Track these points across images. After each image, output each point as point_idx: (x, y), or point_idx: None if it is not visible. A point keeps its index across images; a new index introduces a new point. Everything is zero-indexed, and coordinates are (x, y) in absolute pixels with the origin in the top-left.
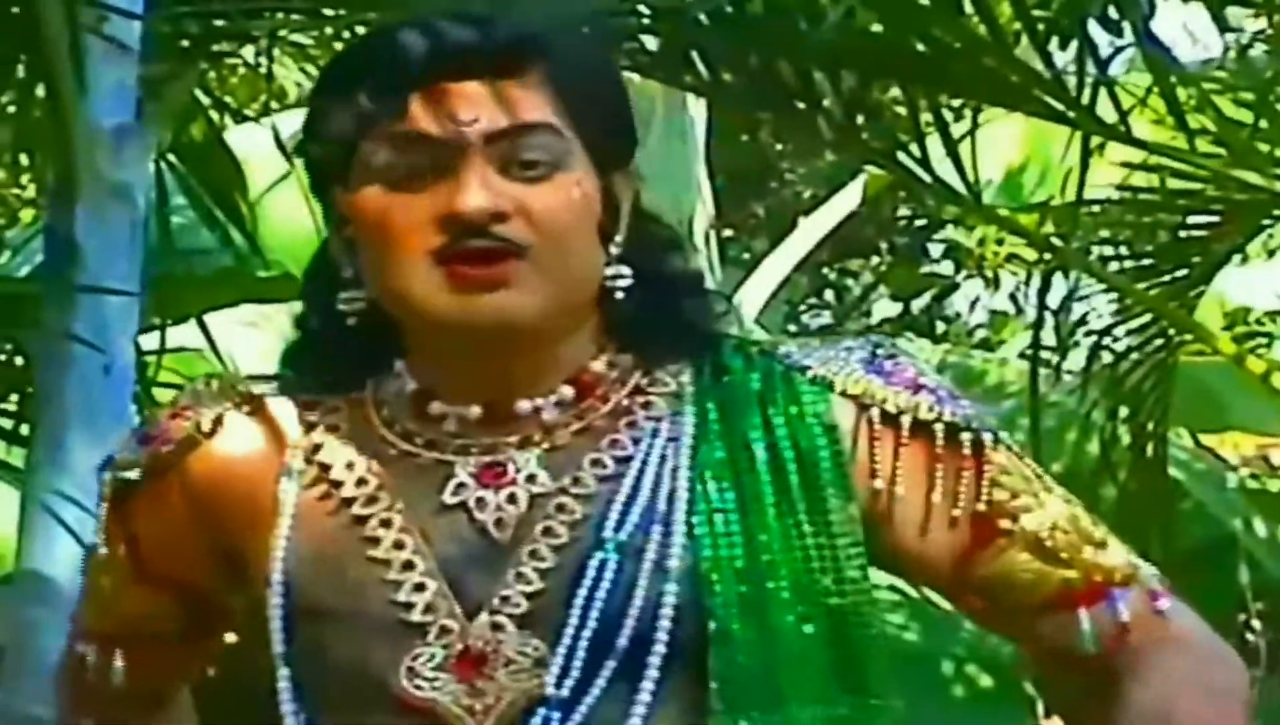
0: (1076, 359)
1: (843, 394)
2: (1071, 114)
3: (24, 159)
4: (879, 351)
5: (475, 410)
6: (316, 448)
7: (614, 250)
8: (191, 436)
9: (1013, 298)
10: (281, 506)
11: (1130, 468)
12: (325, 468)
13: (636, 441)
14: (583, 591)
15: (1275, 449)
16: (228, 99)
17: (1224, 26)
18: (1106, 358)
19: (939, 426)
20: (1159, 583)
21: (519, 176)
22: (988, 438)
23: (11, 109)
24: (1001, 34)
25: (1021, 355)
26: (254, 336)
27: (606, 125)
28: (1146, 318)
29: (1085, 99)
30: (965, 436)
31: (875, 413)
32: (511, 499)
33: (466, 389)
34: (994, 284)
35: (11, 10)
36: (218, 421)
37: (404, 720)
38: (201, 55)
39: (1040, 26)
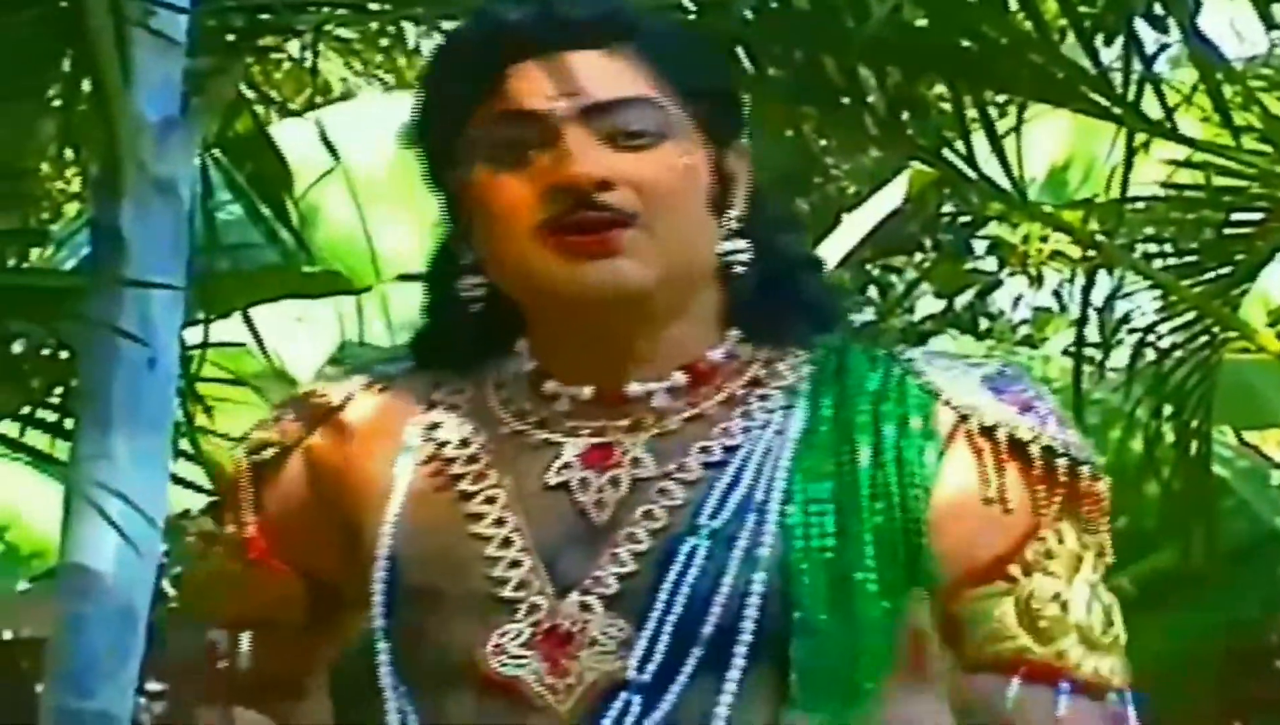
0: (1120, 356)
1: (947, 403)
2: (1117, 110)
3: (69, 153)
4: (1005, 371)
5: (587, 391)
6: (434, 425)
7: (730, 224)
8: (318, 416)
9: (1056, 295)
10: (395, 482)
11: (1173, 465)
12: (440, 444)
13: (747, 431)
14: (671, 575)
15: None
16: (273, 93)
17: (1270, 23)
18: (1150, 355)
19: (1035, 447)
20: (1126, 714)
21: (624, 146)
22: (1085, 470)
23: (57, 102)
24: (1047, 30)
25: (1065, 352)
26: (300, 331)
27: (709, 98)
28: (1191, 315)
29: (1131, 96)
30: (1061, 462)
31: (975, 424)
32: (614, 482)
33: (580, 369)
34: (1038, 281)
35: (58, 3)
36: (346, 401)
37: (488, 698)
38: (247, 49)
39: (1086, 23)
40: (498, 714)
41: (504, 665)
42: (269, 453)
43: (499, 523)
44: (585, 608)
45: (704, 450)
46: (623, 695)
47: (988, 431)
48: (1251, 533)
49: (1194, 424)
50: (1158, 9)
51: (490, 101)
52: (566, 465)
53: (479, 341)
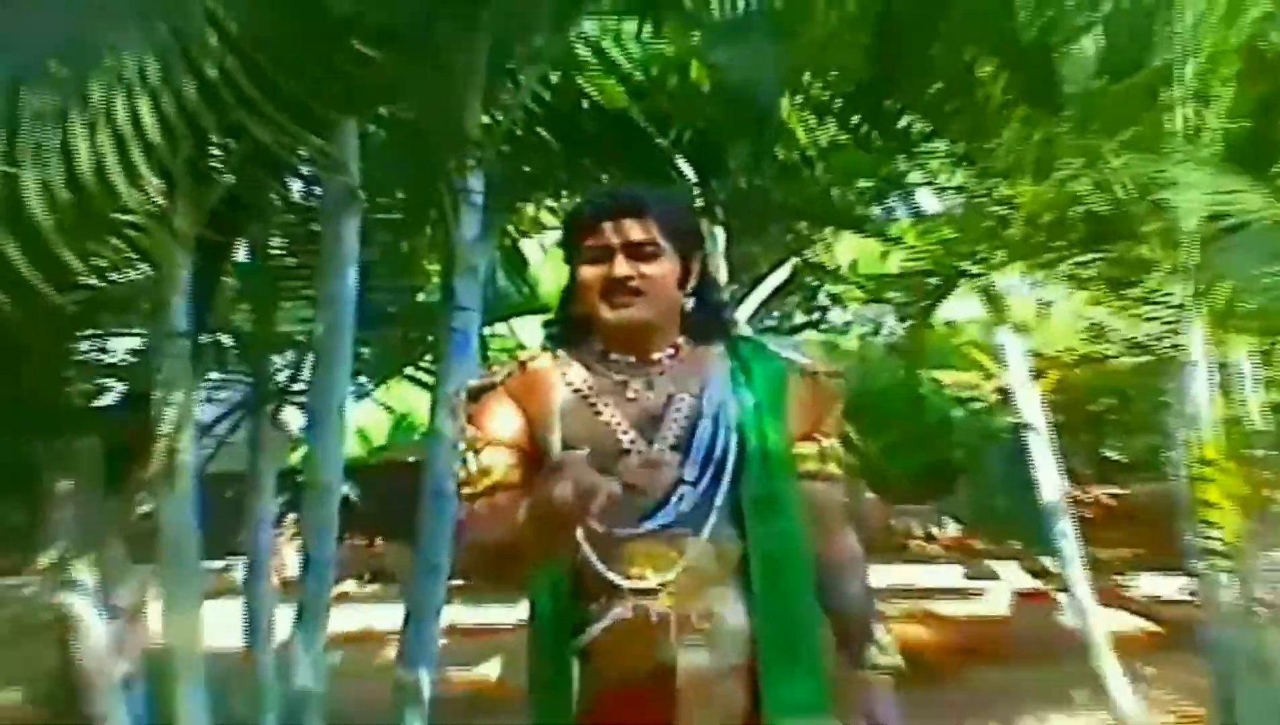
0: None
1: (785, 359)
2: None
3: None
4: (798, 346)
5: (632, 358)
6: (565, 374)
7: (687, 290)
8: (512, 371)
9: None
10: (555, 402)
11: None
12: (570, 382)
13: (705, 372)
14: (699, 434)
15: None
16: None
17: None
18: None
19: (813, 371)
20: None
21: (642, 257)
22: (828, 379)
23: (430, 233)
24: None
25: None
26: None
27: (684, 238)
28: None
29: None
30: (822, 378)
31: (795, 366)
32: (657, 395)
33: (625, 349)
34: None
35: (430, 190)
36: (525, 365)
37: (627, 493)
38: (510, 204)
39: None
40: (628, 497)
41: (633, 475)
42: (488, 382)
43: (611, 416)
44: (661, 450)
45: (691, 380)
46: (680, 489)
47: (798, 367)
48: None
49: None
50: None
51: (589, 237)
52: (635, 389)
53: (576, 337)
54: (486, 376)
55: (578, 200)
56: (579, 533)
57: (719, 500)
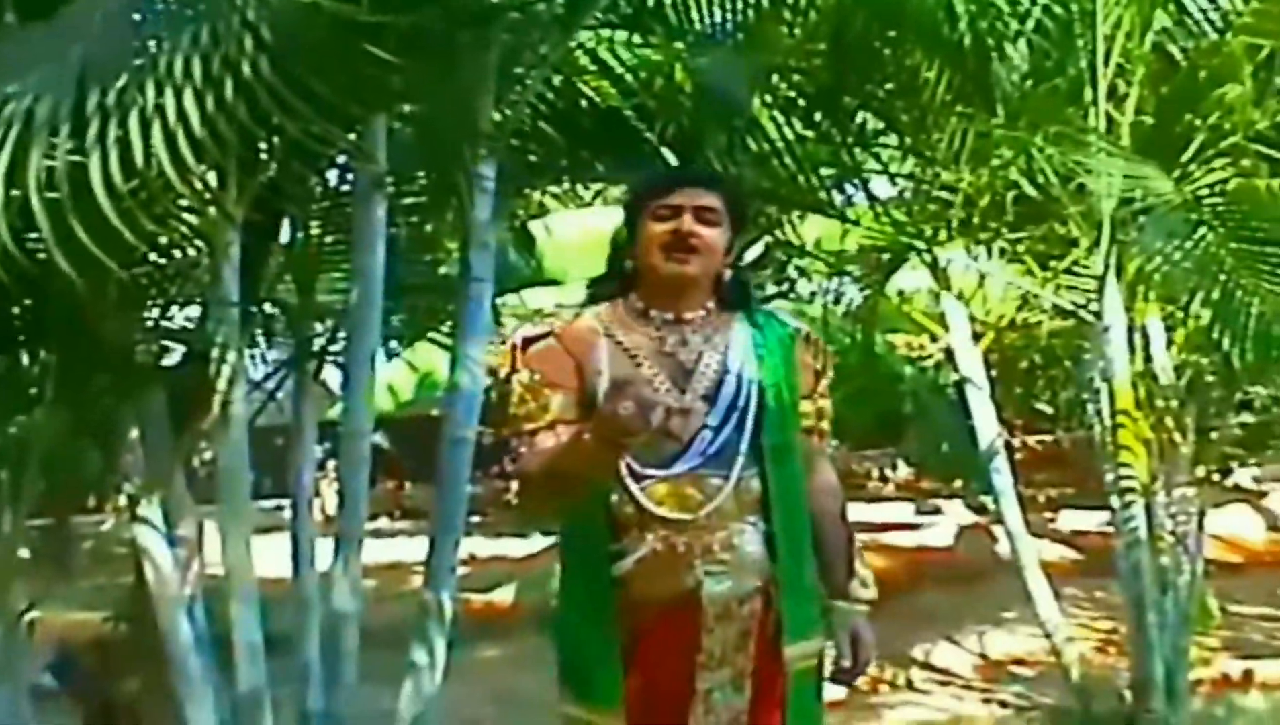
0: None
1: (792, 327)
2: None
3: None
4: (799, 318)
5: (670, 315)
6: (608, 327)
7: (728, 258)
8: (564, 323)
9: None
10: (601, 351)
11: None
12: (612, 336)
13: (730, 333)
14: (725, 388)
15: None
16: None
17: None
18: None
19: (811, 337)
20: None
21: (704, 221)
22: (830, 349)
23: (449, 216)
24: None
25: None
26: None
27: (739, 215)
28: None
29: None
30: (818, 341)
31: (799, 333)
32: (690, 351)
33: (666, 306)
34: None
35: (448, 177)
36: (571, 320)
37: (660, 437)
38: (518, 190)
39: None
40: (658, 443)
41: (671, 422)
42: (538, 332)
43: (650, 367)
44: (692, 399)
45: (721, 336)
46: (704, 433)
47: (803, 335)
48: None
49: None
50: None
51: (663, 197)
52: (671, 344)
53: (617, 293)
54: (540, 327)
55: (578, 187)
56: (623, 471)
57: (742, 446)
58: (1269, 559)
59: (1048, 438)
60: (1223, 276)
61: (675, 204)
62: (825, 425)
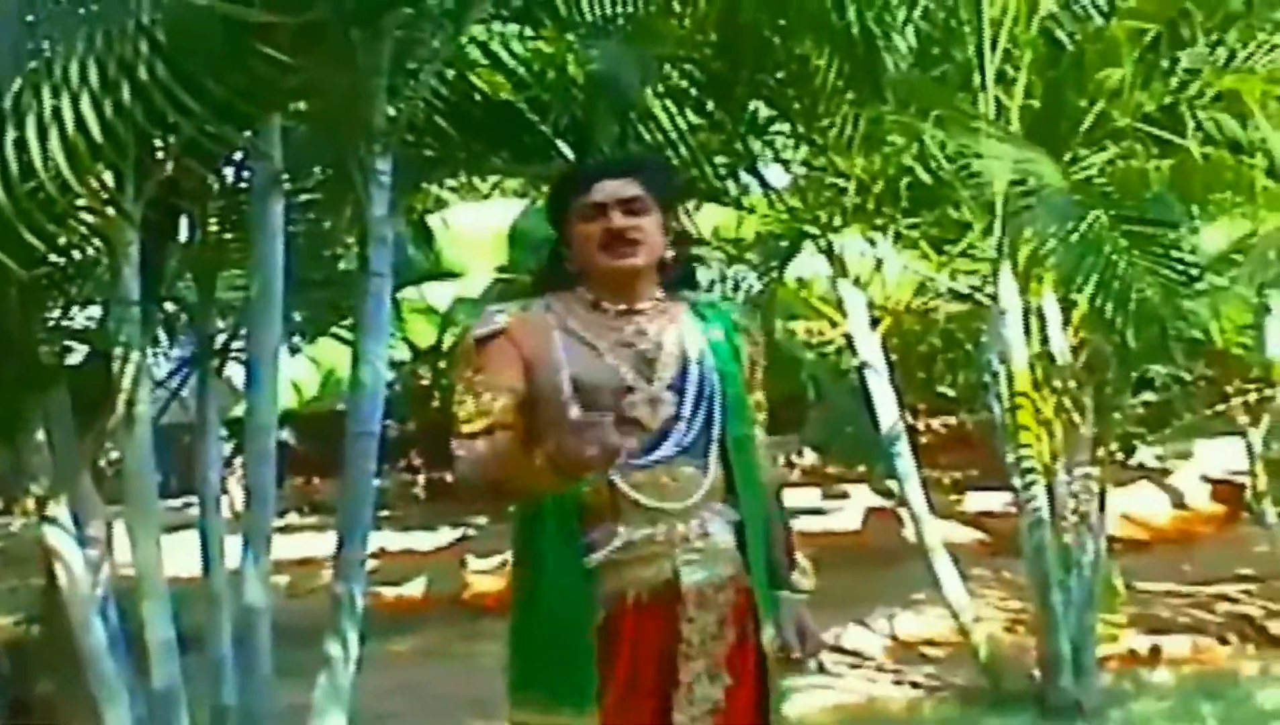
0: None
1: (736, 319)
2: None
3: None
4: (742, 305)
5: (621, 305)
6: (561, 319)
7: (667, 240)
8: (513, 318)
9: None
10: (557, 346)
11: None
12: (568, 328)
13: (682, 321)
14: (690, 376)
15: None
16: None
17: None
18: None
19: (752, 327)
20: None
21: (633, 212)
22: (763, 341)
23: (347, 211)
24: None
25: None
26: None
27: (666, 196)
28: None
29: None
30: (759, 335)
31: (743, 326)
32: (649, 340)
33: (616, 297)
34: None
35: (346, 174)
36: (522, 311)
37: (624, 424)
38: (415, 185)
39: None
40: (629, 433)
41: (637, 411)
42: (489, 330)
43: (611, 358)
44: (658, 388)
45: (670, 325)
46: (678, 425)
47: (743, 326)
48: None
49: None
50: None
51: (584, 196)
52: (629, 335)
53: (562, 289)
54: (489, 323)
55: (475, 180)
56: None
57: (713, 434)
58: (1174, 536)
59: (951, 421)
60: (1111, 257)
61: (599, 201)
62: (762, 417)
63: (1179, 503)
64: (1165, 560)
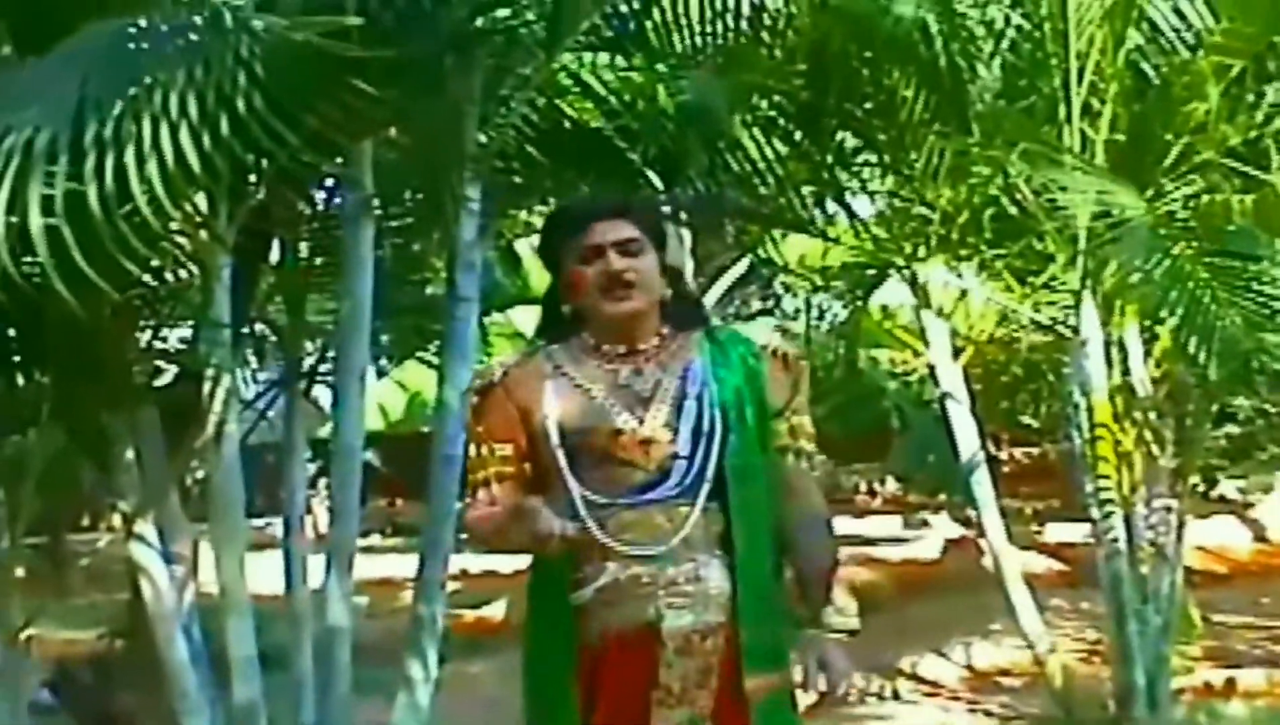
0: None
1: (759, 343)
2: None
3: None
4: (775, 330)
5: (622, 348)
6: (558, 365)
7: (665, 280)
8: (508, 369)
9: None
10: (547, 392)
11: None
12: (563, 372)
13: (688, 357)
14: (686, 412)
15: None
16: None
17: None
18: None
19: (783, 352)
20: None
21: (629, 254)
22: (795, 358)
23: (435, 236)
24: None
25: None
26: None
27: (659, 236)
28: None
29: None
30: (791, 357)
31: (767, 349)
32: (645, 380)
33: (616, 339)
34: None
35: (436, 200)
36: (519, 361)
37: (618, 466)
38: (504, 211)
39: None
40: (625, 472)
41: (627, 452)
42: (487, 381)
43: (603, 400)
44: (654, 428)
45: (675, 364)
46: (676, 463)
47: (770, 349)
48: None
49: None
50: None
51: (579, 238)
52: (624, 376)
53: (564, 333)
54: (485, 375)
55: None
56: (578, 506)
57: (709, 472)
58: (1255, 569)
59: (1034, 451)
60: (1194, 290)
61: (595, 243)
62: (805, 443)
63: (1260, 536)
64: (1243, 593)
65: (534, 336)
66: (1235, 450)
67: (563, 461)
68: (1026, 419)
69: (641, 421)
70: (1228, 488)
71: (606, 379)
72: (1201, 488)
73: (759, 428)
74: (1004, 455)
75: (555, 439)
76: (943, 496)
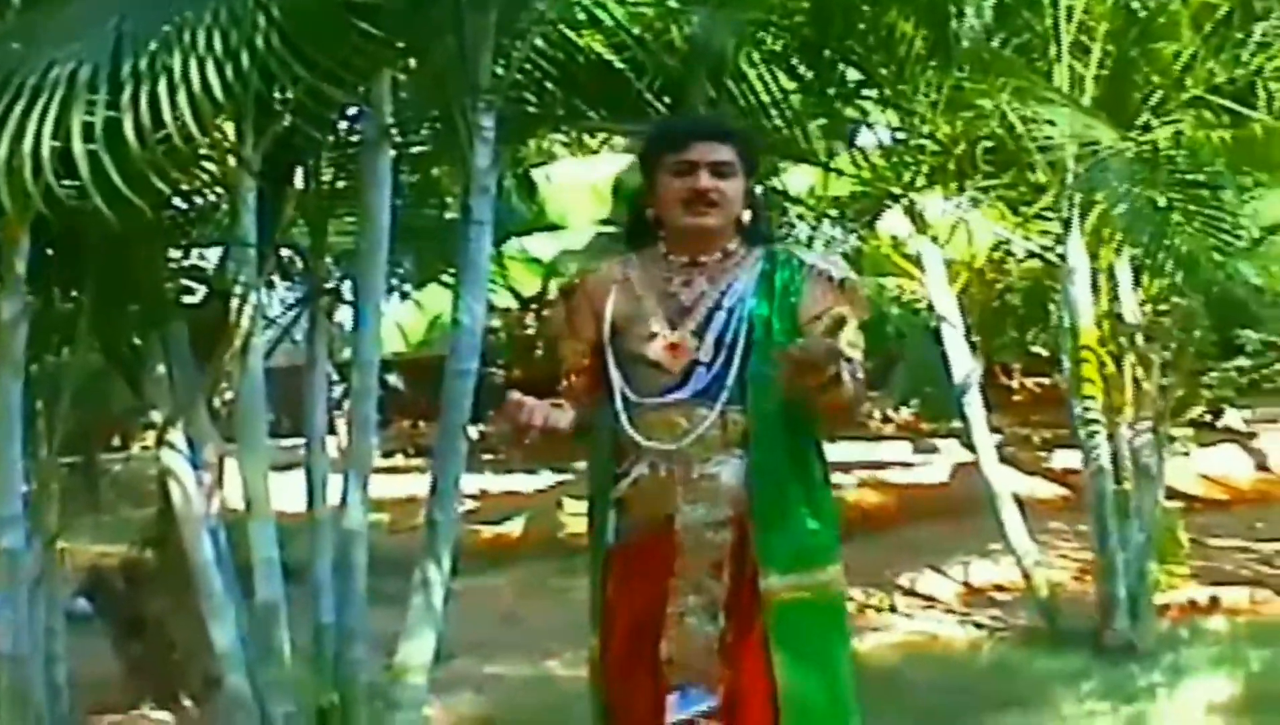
0: None
1: (805, 262)
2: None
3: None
4: (826, 255)
5: (685, 258)
6: (628, 271)
7: (745, 204)
8: (589, 274)
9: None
10: (612, 296)
11: None
12: (627, 277)
13: (737, 273)
14: (714, 323)
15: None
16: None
17: None
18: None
19: (832, 274)
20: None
21: (720, 175)
22: (849, 281)
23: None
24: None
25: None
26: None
27: (751, 162)
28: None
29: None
30: (839, 279)
31: (815, 271)
32: (693, 291)
33: (684, 252)
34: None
35: (452, 127)
36: (600, 267)
37: (649, 366)
38: (518, 138)
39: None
40: (654, 373)
41: (655, 354)
42: (574, 285)
43: (649, 306)
44: (683, 334)
45: (720, 280)
46: (696, 369)
47: (818, 271)
48: None
49: None
50: None
51: (678, 153)
52: (675, 285)
53: (644, 238)
54: (571, 278)
55: (584, 136)
56: (618, 402)
57: (729, 379)
58: (1254, 497)
59: (1045, 381)
60: (1158, 218)
61: (691, 160)
62: (854, 354)
63: (1261, 465)
64: (1240, 519)
65: (625, 240)
66: (1244, 382)
67: (611, 360)
68: (1037, 348)
69: (674, 328)
70: (1234, 419)
71: (659, 287)
72: (1208, 417)
73: (787, 341)
74: (1015, 384)
75: (606, 338)
76: (955, 423)
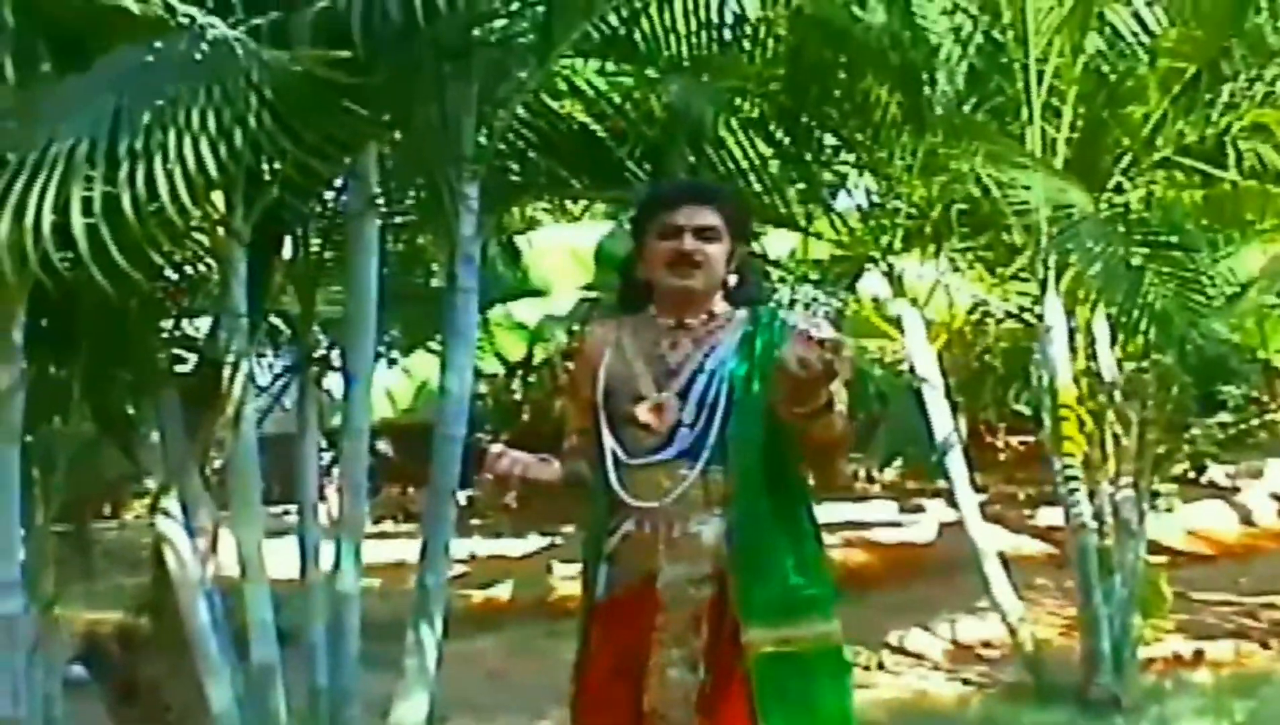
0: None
1: (789, 323)
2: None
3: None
4: (811, 316)
5: (672, 321)
6: (618, 336)
7: (731, 268)
8: (589, 335)
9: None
10: (605, 358)
11: None
12: (619, 339)
13: (721, 335)
14: (697, 385)
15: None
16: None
17: None
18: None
19: (817, 337)
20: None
21: (704, 239)
22: (840, 344)
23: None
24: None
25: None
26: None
27: (738, 227)
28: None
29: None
30: (821, 339)
31: (797, 330)
32: (679, 353)
33: (672, 314)
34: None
35: (437, 196)
36: (599, 330)
37: (636, 428)
38: (501, 206)
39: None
40: (642, 434)
41: (643, 416)
42: (575, 346)
43: (637, 368)
44: (669, 396)
45: (706, 343)
46: (681, 429)
47: (799, 330)
48: None
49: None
50: None
51: (666, 215)
52: (664, 347)
53: (636, 302)
54: (575, 339)
55: (566, 203)
56: (609, 461)
57: (710, 439)
58: (1239, 551)
59: (1029, 439)
60: (1132, 277)
61: (677, 223)
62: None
63: (1246, 519)
64: (1224, 573)
65: (618, 303)
66: (1227, 438)
67: (603, 420)
68: (1020, 407)
69: (661, 390)
70: (1217, 474)
71: (648, 349)
72: (1192, 473)
73: (762, 403)
74: (999, 443)
75: (600, 399)
76: (941, 483)
